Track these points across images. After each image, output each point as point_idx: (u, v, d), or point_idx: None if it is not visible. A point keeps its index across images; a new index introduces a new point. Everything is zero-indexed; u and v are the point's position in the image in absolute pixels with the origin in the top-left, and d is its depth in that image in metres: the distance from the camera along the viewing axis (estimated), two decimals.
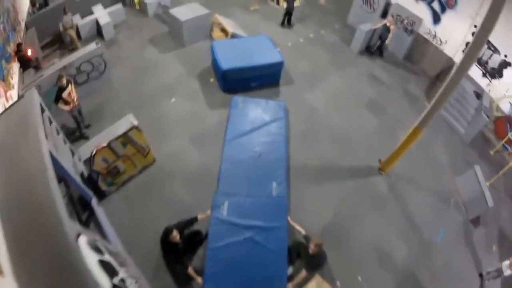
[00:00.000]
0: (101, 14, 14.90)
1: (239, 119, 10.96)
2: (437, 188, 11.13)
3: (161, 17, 16.64)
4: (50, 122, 8.13)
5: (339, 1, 19.50)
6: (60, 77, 9.52)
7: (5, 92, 9.56)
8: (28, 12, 14.04)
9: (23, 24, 12.73)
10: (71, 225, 4.41)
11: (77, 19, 14.33)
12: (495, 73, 13.03)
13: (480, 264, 9.61)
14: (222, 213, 8.08)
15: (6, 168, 5.17)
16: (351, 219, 9.70)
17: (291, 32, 16.93)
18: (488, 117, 12.63)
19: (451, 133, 13.34)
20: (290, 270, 7.82)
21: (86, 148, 8.75)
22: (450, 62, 14.46)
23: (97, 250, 4.74)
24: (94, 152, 8.49)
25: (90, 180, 8.91)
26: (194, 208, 8.55)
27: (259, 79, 13.09)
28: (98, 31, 14.83)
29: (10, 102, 9.24)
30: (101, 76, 12.20)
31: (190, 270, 7.34)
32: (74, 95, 9.94)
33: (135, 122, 9.14)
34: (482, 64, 13.39)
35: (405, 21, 15.39)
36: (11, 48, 11.00)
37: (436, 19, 14.73)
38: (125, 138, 9.03)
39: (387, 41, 15.41)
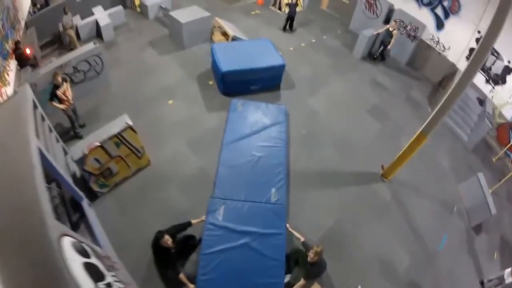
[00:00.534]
0: (101, 15, 14.75)
1: (238, 122, 10.59)
2: (440, 195, 10.82)
3: (162, 20, 16.45)
4: (43, 120, 8.03)
5: (341, 7, 19.16)
6: (55, 75, 9.39)
7: (0, 88, 9.50)
8: (29, 12, 13.94)
9: (23, 23, 12.64)
10: (54, 225, 4.29)
11: (77, 20, 14.18)
12: (498, 79, 12.78)
13: (482, 271, 9.35)
14: (217, 218, 7.73)
15: None
16: (352, 226, 9.36)
17: (293, 37, 16.68)
18: (491, 123, 12.34)
19: (453, 140, 13.04)
20: (287, 278, 7.45)
21: (79, 148, 8.33)
22: (453, 68, 14.22)
23: (83, 252, 4.63)
24: (86, 152, 8.14)
25: (83, 181, 8.70)
26: (189, 213, 8.24)
27: (260, 82, 12.79)
28: (97, 33, 14.68)
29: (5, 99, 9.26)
30: (98, 76, 12.00)
31: (182, 276, 7.03)
32: (69, 93, 9.79)
33: (130, 122, 8.80)
34: (486, 70, 13.12)
35: (408, 27, 15.13)
36: (9, 46, 10.89)
37: (440, 25, 14.48)
38: (119, 139, 8.72)
39: (389, 46, 15.11)
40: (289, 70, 13.73)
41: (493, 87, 12.98)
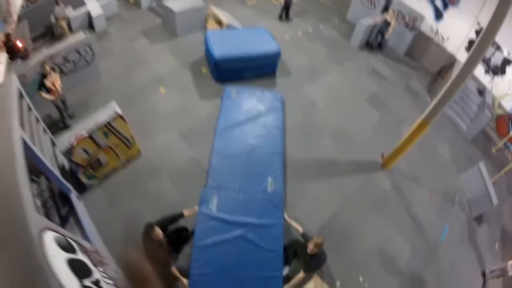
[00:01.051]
0: (93, 6, 14.20)
1: (232, 109, 10.12)
2: (441, 185, 10.48)
3: (155, 10, 15.90)
4: (30, 110, 7.67)
5: None
6: (44, 64, 9.15)
7: None
8: (22, 6, 13.28)
9: (15, 16, 12.14)
10: (35, 219, 4.10)
11: (69, 11, 13.64)
12: (498, 70, 12.43)
13: (483, 262, 9.09)
14: (210, 208, 7.27)
15: None
16: (351, 217, 8.96)
17: (289, 26, 16.18)
18: (491, 114, 12.08)
19: (453, 130, 12.67)
20: (286, 270, 7.03)
21: (66, 138, 7.92)
22: (451, 59, 13.86)
23: (67, 248, 4.42)
24: (73, 143, 7.73)
25: (72, 173, 8.28)
26: (182, 205, 7.66)
27: (255, 70, 12.31)
28: (90, 24, 14.16)
29: None
30: (88, 66, 11.50)
31: (174, 270, 6.54)
32: (58, 83, 9.44)
33: (119, 111, 8.35)
34: (485, 61, 12.75)
35: (407, 18, 14.73)
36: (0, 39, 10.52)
37: (438, 15, 14.13)
38: (107, 128, 8.29)
39: (387, 36, 14.77)
40: (285, 59, 13.31)
41: (493, 78, 12.65)
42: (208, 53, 11.96)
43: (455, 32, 13.63)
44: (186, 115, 10.94)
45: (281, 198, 7.84)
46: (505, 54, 11.97)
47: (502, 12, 6.73)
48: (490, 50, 12.38)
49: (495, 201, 9.34)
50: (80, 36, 11.07)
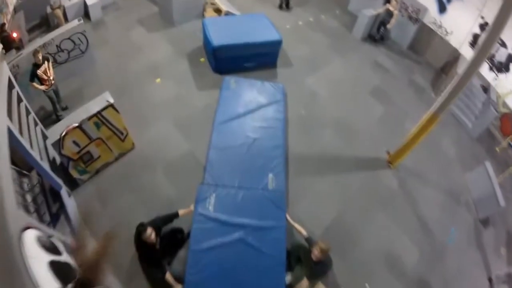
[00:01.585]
0: None
1: (231, 101, 9.44)
2: (446, 184, 9.87)
3: None
4: (20, 101, 7.54)
5: None
6: (35, 52, 8.50)
7: None
8: None
9: (11, 8, 11.58)
10: (15, 216, 3.92)
11: (64, 0, 12.96)
12: (502, 67, 11.73)
13: (489, 267, 8.51)
14: (207, 208, 6.57)
15: None
16: (356, 218, 8.37)
17: (290, 15, 15.41)
18: (496, 111, 11.49)
19: (458, 127, 12.03)
20: (288, 278, 6.35)
21: (56, 130, 7.26)
22: (455, 53, 13.16)
23: (51, 248, 4.12)
24: (63, 134, 7.05)
25: (63, 168, 7.77)
26: (177, 203, 7.31)
27: (254, 59, 11.56)
28: (85, 13, 13.42)
29: None
30: (82, 55, 10.88)
31: (168, 276, 5.97)
32: (50, 73, 8.90)
33: (111, 100, 7.70)
34: (489, 57, 12.03)
35: (410, 9, 14.02)
36: None
37: (442, 8, 13.36)
38: (98, 118, 7.62)
39: (389, 26, 14.02)
40: (286, 48, 12.63)
41: (497, 75, 11.96)
42: (206, 41, 11.25)
43: (459, 26, 12.92)
44: (183, 106, 10.30)
45: (283, 197, 7.15)
46: (510, 50, 11.31)
47: (508, 8, 6.36)
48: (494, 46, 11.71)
49: (502, 202, 8.82)
50: (73, 24, 10.42)
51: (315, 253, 5.90)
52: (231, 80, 10.06)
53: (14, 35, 10.39)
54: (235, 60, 11.29)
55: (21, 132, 6.58)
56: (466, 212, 9.41)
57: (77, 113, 7.55)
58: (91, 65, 11.13)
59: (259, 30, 11.47)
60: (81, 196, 7.78)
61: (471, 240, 8.88)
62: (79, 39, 10.47)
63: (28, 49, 9.41)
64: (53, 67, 9.16)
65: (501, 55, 11.59)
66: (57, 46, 10.05)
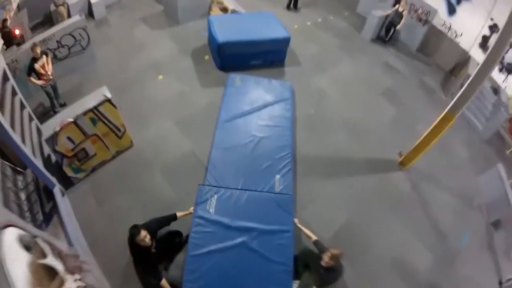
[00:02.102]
0: None
1: (236, 98, 8.80)
2: (459, 187, 9.19)
3: None
4: (15, 94, 7.39)
5: None
6: (33, 46, 8.11)
7: None
8: None
9: (14, 5, 11.41)
10: None
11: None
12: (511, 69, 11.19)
13: (500, 271, 7.81)
14: (208, 210, 5.89)
15: None
16: (368, 222, 7.72)
17: (297, 16, 14.88)
18: (507, 113, 10.86)
19: (469, 129, 11.36)
20: (295, 286, 5.65)
21: (50, 125, 6.73)
22: (465, 56, 12.57)
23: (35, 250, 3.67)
24: (57, 129, 6.52)
25: (57, 165, 7.33)
26: (176, 204, 6.81)
27: (261, 57, 10.96)
28: (89, 11, 13.03)
29: None
30: (83, 51, 10.46)
31: (164, 283, 5.33)
32: (48, 68, 8.52)
33: (108, 95, 7.19)
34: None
35: (419, 11, 13.44)
36: None
37: (451, 10, 12.83)
38: (95, 114, 7.08)
39: (398, 27, 13.47)
40: (294, 48, 12.04)
41: (506, 77, 11.39)
42: (211, 38, 10.67)
43: (468, 28, 12.39)
44: (185, 103, 9.76)
45: (291, 200, 6.43)
46: None
47: None
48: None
49: None
50: (75, 19, 10.06)
51: (325, 259, 5.21)
52: (236, 77, 9.44)
53: (17, 31, 10.24)
54: (241, 58, 10.72)
55: (13, 126, 6.33)
56: (478, 215, 8.77)
57: (73, 108, 7.07)
58: (92, 62, 10.74)
59: (266, 28, 10.90)
60: (76, 195, 7.27)
61: (482, 244, 8.24)
62: (80, 34, 10.10)
63: (27, 44, 9.09)
64: (53, 63, 8.78)
65: (510, 57, 11.03)
66: (57, 41, 9.68)
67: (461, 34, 12.69)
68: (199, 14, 13.11)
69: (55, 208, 6.51)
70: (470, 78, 7.21)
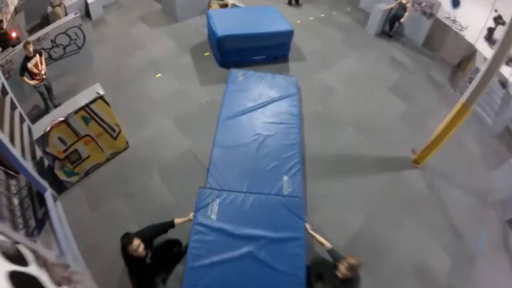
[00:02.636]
0: None
1: (239, 94, 8.03)
2: (473, 184, 8.44)
3: None
4: (5, 93, 6.98)
5: None
6: (26, 44, 7.63)
7: None
8: None
9: (11, 8, 11.19)
10: None
11: (66, 0, 12.13)
12: None
13: None
14: (209, 216, 5.12)
15: None
16: (383, 225, 6.95)
17: (300, 11, 14.22)
18: None
19: (479, 124, 10.64)
20: None
21: (41, 125, 6.20)
22: (471, 49, 11.88)
23: (15, 257, 3.19)
24: (47, 129, 6.00)
25: (50, 168, 6.75)
26: (175, 210, 6.22)
27: (264, 52, 10.25)
28: (86, 12, 12.52)
29: None
30: (79, 51, 9.93)
31: None
32: (42, 67, 8.03)
33: (101, 92, 6.61)
34: None
35: (423, 3, 12.80)
36: None
37: (455, 2, 12.14)
38: (87, 112, 6.49)
39: (403, 20, 12.84)
40: (297, 43, 11.39)
41: None
42: (211, 32, 9.96)
43: (473, 20, 11.72)
44: (184, 101, 9.13)
45: (301, 203, 5.61)
46: None
47: None
48: None
49: None
50: (69, 17, 9.59)
51: (342, 270, 4.42)
52: (238, 73, 8.68)
53: (13, 34, 9.89)
54: (243, 53, 10.02)
55: (1, 126, 6.03)
56: (493, 213, 8.05)
57: (65, 106, 6.54)
58: (88, 61, 10.21)
59: (268, 21, 10.19)
60: (69, 200, 6.64)
61: (499, 243, 7.52)
62: (75, 33, 9.56)
63: (22, 45, 8.61)
64: (47, 63, 8.52)
65: None
66: (52, 41, 9.19)
67: (466, 27, 12.02)
68: (198, 11, 12.53)
69: (47, 214, 5.89)
70: (486, 64, 6.72)
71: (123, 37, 11.43)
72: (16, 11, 11.50)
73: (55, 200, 6.25)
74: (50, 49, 9.19)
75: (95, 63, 10.17)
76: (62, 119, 6.09)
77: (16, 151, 5.51)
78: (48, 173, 6.74)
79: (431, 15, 12.75)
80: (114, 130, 7.03)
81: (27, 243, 3.75)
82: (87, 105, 6.37)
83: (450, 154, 8.75)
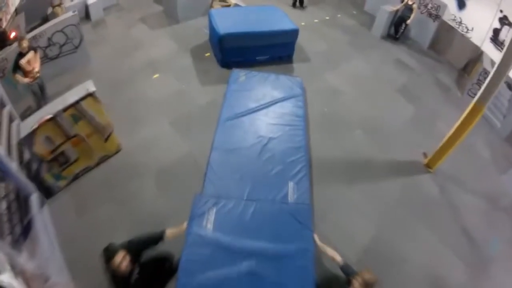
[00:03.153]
0: None
1: (240, 95, 7.39)
2: (484, 188, 7.92)
3: None
4: None
5: None
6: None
7: None
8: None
9: (12, 9, 10.49)
10: None
11: (66, 1, 11.63)
12: None
13: None
14: (204, 226, 4.44)
15: None
16: (396, 234, 6.33)
17: (304, 13, 13.71)
18: None
19: (487, 127, 10.15)
20: None
21: (29, 123, 5.67)
22: (477, 51, 11.40)
23: None
24: (35, 127, 5.48)
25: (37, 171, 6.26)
26: (170, 218, 5.51)
27: (268, 52, 9.62)
28: (86, 14, 12.00)
29: None
30: (76, 50, 9.38)
31: None
32: (36, 65, 7.52)
33: (92, 89, 6.08)
34: None
35: (429, 5, 12.36)
36: None
37: (461, 4, 11.74)
38: (77, 110, 5.92)
39: (408, 21, 12.37)
40: (302, 44, 10.87)
41: None
42: (212, 32, 9.36)
43: (478, 22, 11.33)
44: (183, 102, 8.56)
45: (309, 212, 4.95)
46: None
47: None
48: None
49: None
50: (67, 15, 9.17)
51: (356, 286, 3.77)
52: (240, 73, 8.07)
53: (12, 34, 9.35)
54: (245, 53, 9.39)
55: None
56: (506, 218, 7.51)
57: (54, 103, 5.99)
58: (85, 62, 9.58)
59: (272, 20, 9.62)
60: (56, 206, 6.05)
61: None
62: (72, 32, 9.07)
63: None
64: (43, 62, 8.08)
65: None
66: (48, 39, 8.70)
67: (472, 29, 11.61)
68: (200, 12, 11.95)
69: (33, 219, 5.48)
70: (498, 62, 6.30)
71: (122, 38, 10.93)
72: (17, 12, 10.95)
73: (42, 205, 5.79)
74: (46, 47, 8.75)
75: (92, 63, 9.61)
76: (51, 116, 5.58)
77: (1, 150, 5.18)
78: (35, 176, 6.13)
79: (437, 17, 12.32)
80: (105, 130, 6.45)
81: (4, 250, 3.68)
82: (76, 102, 5.83)
83: (460, 158, 8.24)
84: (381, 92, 10.06)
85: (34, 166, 6.29)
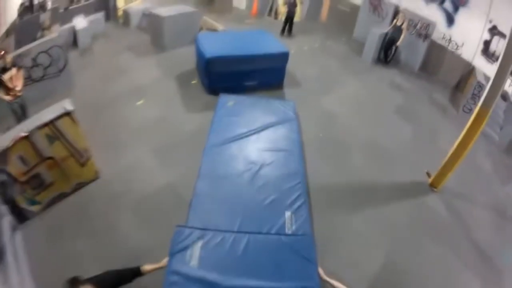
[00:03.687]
0: (80, 21, 12.25)
1: (228, 119, 6.72)
2: (491, 200, 7.68)
3: (144, 29, 13.67)
4: None
5: (342, 16, 16.17)
6: (4, 53, 7.28)
7: None
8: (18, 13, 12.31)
9: (4, 29, 10.84)
10: None
11: (56, 28, 11.84)
12: None
13: None
14: (188, 262, 3.64)
15: None
16: (409, 260, 5.80)
17: (293, 41, 13.60)
18: None
19: (485, 140, 9.90)
20: None
21: (3, 141, 5.31)
22: (468, 67, 11.45)
23: None
24: (9, 145, 5.20)
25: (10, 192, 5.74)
26: (149, 253, 4.93)
27: (257, 77, 9.19)
28: (74, 40, 12.06)
29: None
30: (59, 75, 9.31)
31: None
32: (18, 83, 7.49)
33: (70, 108, 5.77)
34: None
35: (418, 25, 12.37)
36: None
37: (450, 20, 11.91)
38: (52, 130, 5.60)
39: (399, 42, 12.30)
40: (292, 70, 10.57)
41: None
42: (199, 56, 9.04)
43: (468, 35, 11.40)
44: (167, 129, 8.23)
45: (310, 242, 4.18)
46: None
47: None
48: None
49: None
50: (52, 35, 9.46)
51: None
52: (228, 97, 7.47)
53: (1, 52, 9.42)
54: (233, 78, 8.96)
55: None
56: None
57: (30, 121, 5.80)
58: (68, 86, 9.39)
59: (261, 43, 9.38)
60: (29, 232, 5.58)
61: None
62: (57, 54, 9.07)
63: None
64: (26, 84, 7.98)
65: None
66: (32, 59, 8.60)
67: (462, 44, 11.70)
68: (187, 40, 11.81)
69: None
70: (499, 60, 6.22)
71: (108, 65, 10.93)
72: (7, 33, 11.07)
73: (14, 229, 5.36)
74: (30, 68, 8.59)
75: (76, 88, 9.43)
76: (25, 134, 5.27)
77: None
78: (8, 198, 5.58)
79: (426, 37, 12.34)
80: (81, 156, 6.00)
81: None
82: (51, 121, 5.50)
83: (463, 174, 7.97)
84: (377, 114, 9.83)
85: (8, 187, 5.69)
